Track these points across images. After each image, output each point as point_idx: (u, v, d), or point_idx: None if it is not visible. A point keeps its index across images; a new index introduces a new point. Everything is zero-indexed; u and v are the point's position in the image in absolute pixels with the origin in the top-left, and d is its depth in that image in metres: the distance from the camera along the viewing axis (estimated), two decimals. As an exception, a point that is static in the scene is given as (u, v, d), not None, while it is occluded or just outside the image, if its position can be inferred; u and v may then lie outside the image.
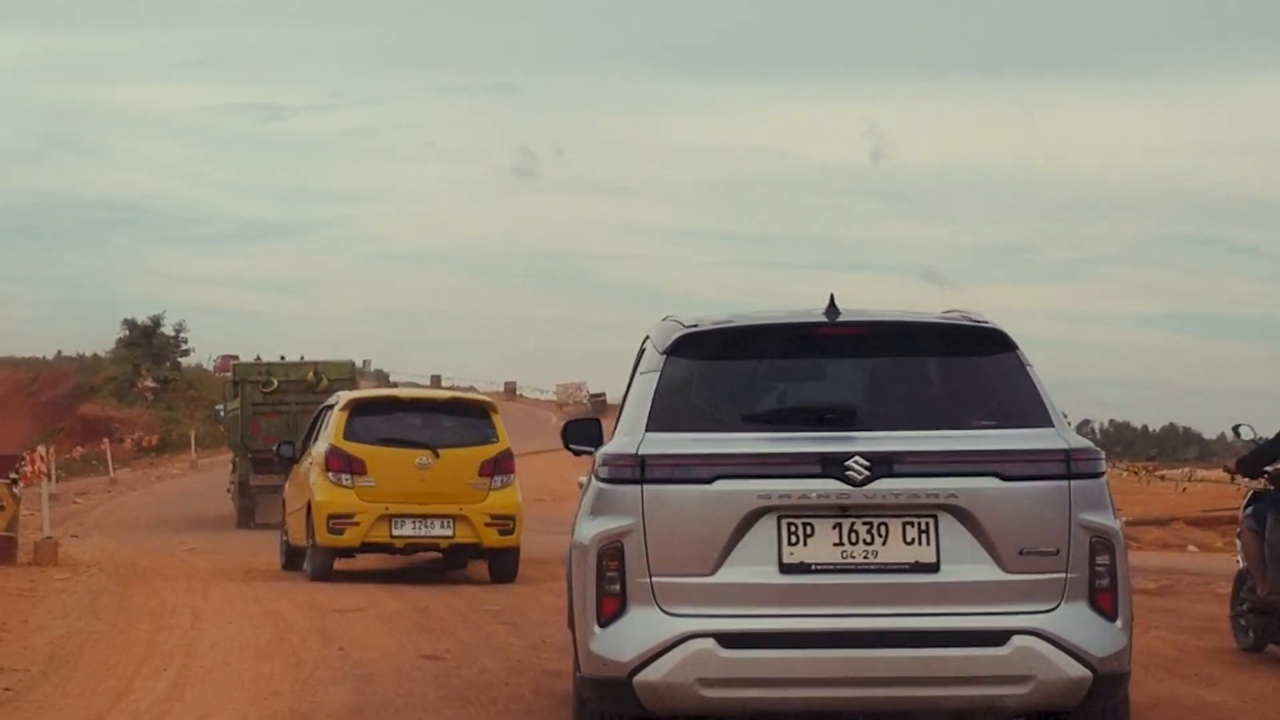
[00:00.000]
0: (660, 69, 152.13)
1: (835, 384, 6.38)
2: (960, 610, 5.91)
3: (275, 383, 30.08)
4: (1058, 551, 5.93)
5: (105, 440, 49.76)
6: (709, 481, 5.97)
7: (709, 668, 5.89)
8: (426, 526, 14.90)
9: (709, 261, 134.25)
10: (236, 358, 55.11)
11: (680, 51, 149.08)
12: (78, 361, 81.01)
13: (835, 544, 5.95)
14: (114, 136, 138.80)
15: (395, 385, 57.36)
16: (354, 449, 14.97)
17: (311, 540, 15.08)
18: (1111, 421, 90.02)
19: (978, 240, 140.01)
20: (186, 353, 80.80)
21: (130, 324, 79.04)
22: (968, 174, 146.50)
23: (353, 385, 29.71)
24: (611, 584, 6.02)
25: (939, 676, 5.89)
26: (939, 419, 6.14)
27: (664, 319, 6.83)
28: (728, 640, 5.89)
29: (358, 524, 14.77)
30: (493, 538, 15.04)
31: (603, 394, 68.85)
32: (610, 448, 6.34)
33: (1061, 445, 6.04)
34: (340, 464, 14.91)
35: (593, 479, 6.40)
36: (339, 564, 15.24)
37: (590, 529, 6.15)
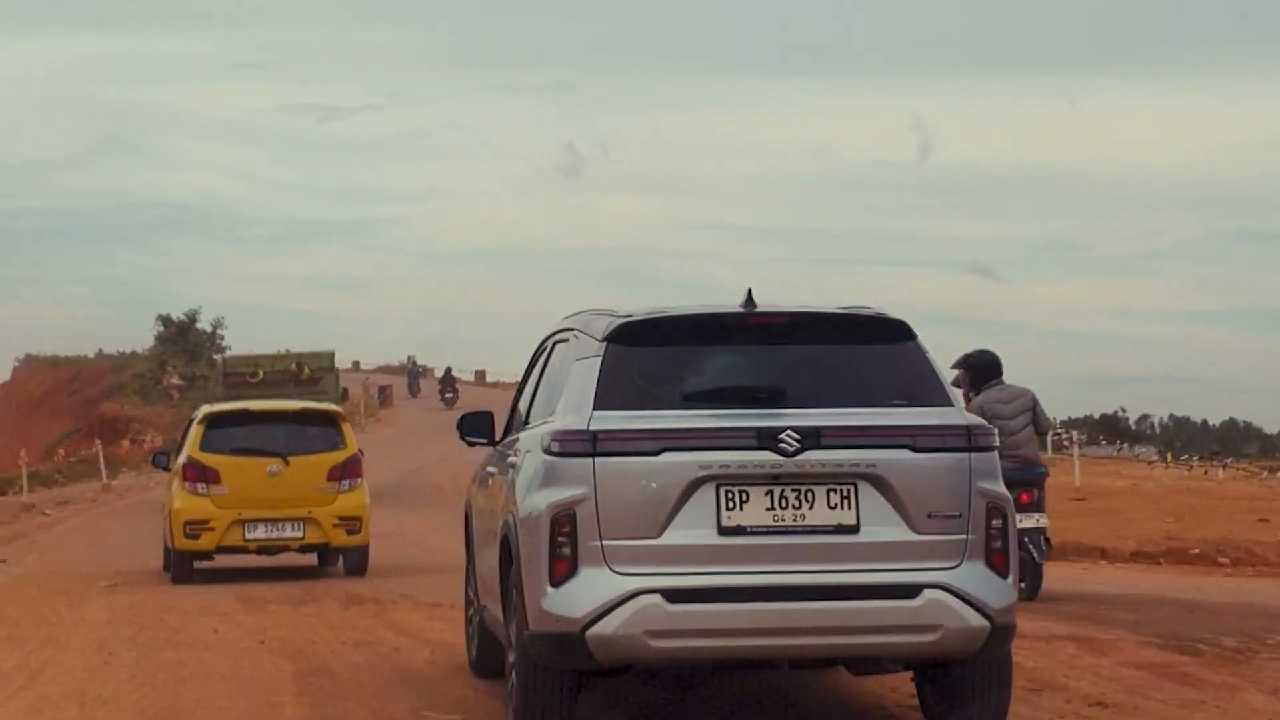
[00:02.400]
0: (709, 65, 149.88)
1: (762, 367, 6.98)
2: (877, 567, 6.60)
3: (261, 373, 32.52)
4: (960, 515, 6.67)
5: (98, 443, 45.85)
6: (656, 454, 6.59)
7: (656, 620, 6.47)
8: (278, 529, 15.88)
9: (758, 258, 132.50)
10: None
11: (729, 48, 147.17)
12: (114, 359, 79.05)
13: (768, 509, 6.60)
14: (172, 138, 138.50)
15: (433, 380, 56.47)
16: (209, 459, 15.88)
17: (171, 545, 16.00)
18: (1171, 416, 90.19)
19: (1029, 235, 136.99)
20: (224, 349, 78.22)
21: (165, 319, 76.50)
22: (1017, 169, 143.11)
23: (334, 375, 32.29)
24: (563, 547, 6.56)
25: (859, 626, 6.58)
26: (856, 398, 6.83)
27: (577, 313, 7.62)
28: (673, 595, 6.48)
29: (213, 529, 15.70)
30: (341, 537, 16.02)
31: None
32: (559, 425, 6.82)
33: (964, 422, 6.84)
34: (196, 474, 15.85)
35: (537, 454, 6.85)
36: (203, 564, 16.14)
37: (543, 498, 6.67)
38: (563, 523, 6.59)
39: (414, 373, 67.19)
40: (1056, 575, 16.31)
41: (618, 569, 6.56)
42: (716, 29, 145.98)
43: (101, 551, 21.35)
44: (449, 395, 57.82)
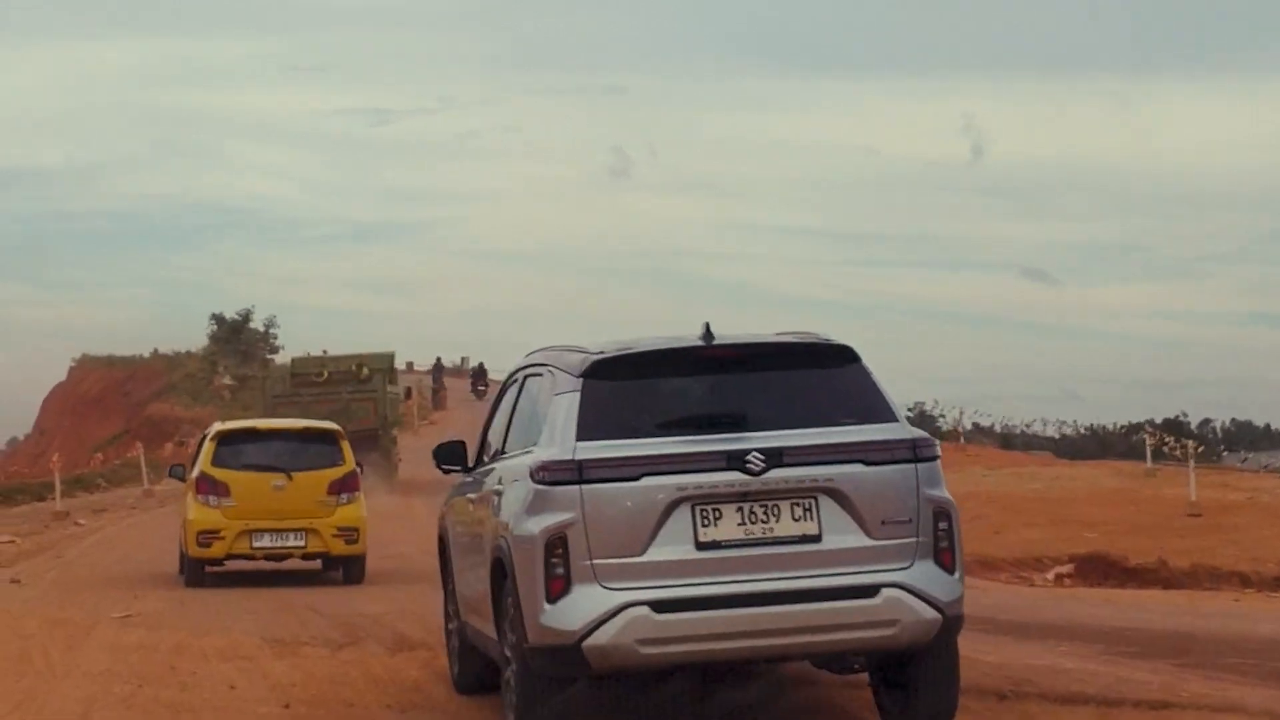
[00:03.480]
0: (760, 67, 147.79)
1: (725, 395, 7.55)
2: (839, 571, 7.25)
3: (325, 373, 34.79)
4: (910, 520, 7.34)
5: (138, 445, 43.79)
6: (636, 479, 7.21)
7: (645, 630, 7.10)
8: (282, 539, 17.21)
9: (810, 260, 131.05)
10: None
11: (780, 49, 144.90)
12: (168, 360, 77.95)
13: (739, 524, 7.24)
14: (228, 141, 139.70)
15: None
16: (219, 474, 17.16)
17: (184, 553, 17.40)
18: (1233, 420, 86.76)
19: (1084, 238, 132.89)
20: (276, 350, 76.79)
21: (218, 319, 75.29)
22: (1071, 170, 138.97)
23: (383, 376, 34.60)
24: (557, 567, 7.16)
25: (826, 624, 7.24)
26: (811, 419, 7.46)
27: (546, 348, 8.39)
28: (659, 606, 7.11)
29: (223, 538, 17.03)
30: (339, 547, 17.32)
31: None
32: (544, 456, 7.39)
33: (908, 436, 7.51)
34: (208, 487, 17.15)
35: (526, 483, 7.43)
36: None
37: (535, 523, 7.27)
38: (555, 545, 7.19)
39: (438, 372, 65.34)
40: (1205, 608, 13.80)
41: (607, 585, 7.17)
42: (768, 30, 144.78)
43: (125, 569, 19.55)
44: (480, 388, 57.99)
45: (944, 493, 7.47)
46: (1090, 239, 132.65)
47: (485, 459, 9.01)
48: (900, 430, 7.51)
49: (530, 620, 7.26)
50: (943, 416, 67.35)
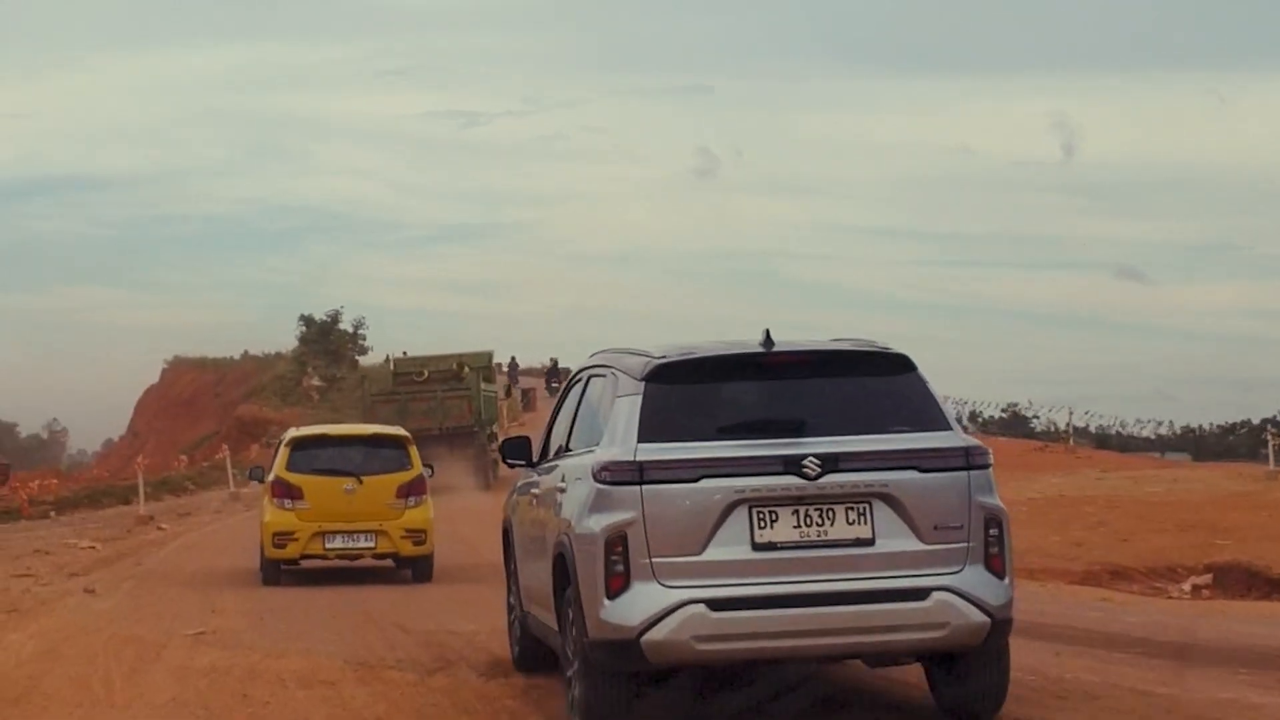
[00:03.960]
0: (848, 66, 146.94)
1: (783, 401, 7.72)
2: (892, 574, 7.45)
3: (426, 373, 35.83)
4: (961, 526, 7.53)
5: (224, 448, 43.06)
6: (695, 480, 7.42)
7: (701, 626, 7.32)
8: (353, 540, 17.81)
9: (901, 260, 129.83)
10: None
11: (868, 49, 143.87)
12: (258, 361, 77.88)
13: (795, 526, 7.45)
14: (318, 145, 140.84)
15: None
16: (294, 478, 17.80)
17: (262, 554, 18.00)
18: None
19: (1178, 237, 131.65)
20: (365, 350, 76.34)
21: (307, 320, 74.87)
22: (1163, 168, 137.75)
23: (489, 374, 36.30)
24: (617, 565, 7.37)
25: (878, 626, 7.44)
26: (867, 425, 7.64)
27: (609, 350, 8.62)
28: (715, 604, 7.32)
29: (297, 539, 17.66)
30: (408, 548, 17.91)
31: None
32: (607, 457, 7.61)
33: (962, 444, 7.69)
34: (283, 491, 17.79)
35: (588, 482, 7.67)
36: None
37: (596, 522, 7.49)
38: (616, 543, 7.39)
39: (514, 372, 64.60)
40: None
41: (665, 582, 7.37)
42: (855, 30, 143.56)
43: (204, 578, 18.70)
44: (554, 385, 58.45)
45: (995, 500, 7.68)
46: (1184, 238, 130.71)
47: (550, 456, 9.31)
48: (954, 439, 7.71)
49: (590, 615, 7.53)
50: (1036, 418, 65.46)
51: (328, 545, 17.74)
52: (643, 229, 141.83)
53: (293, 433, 18.95)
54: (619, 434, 7.65)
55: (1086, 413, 66.75)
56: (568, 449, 8.74)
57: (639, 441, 7.50)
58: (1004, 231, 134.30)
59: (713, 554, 7.36)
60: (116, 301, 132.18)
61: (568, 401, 9.23)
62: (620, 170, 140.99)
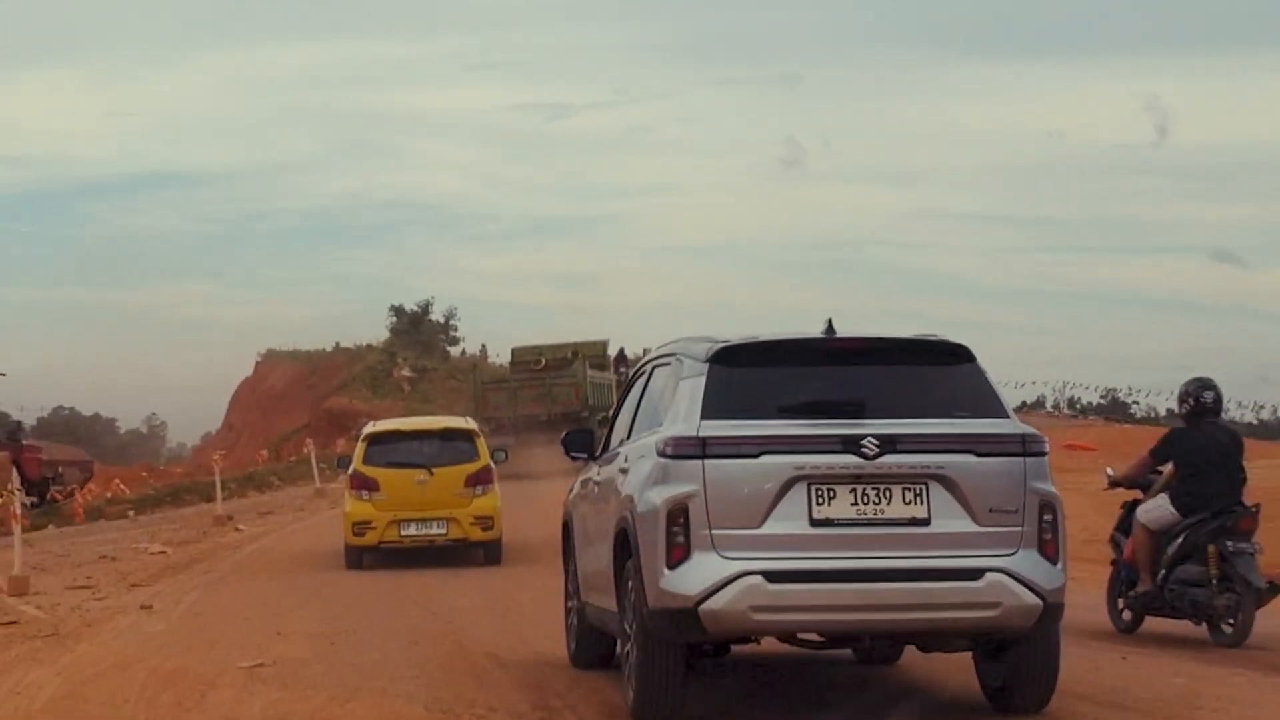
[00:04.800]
0: (937, 53, 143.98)
1: (844, 384, 7.92)
2: (946, 554, 7.60)
3: (543, 360, 37.76)
4: (1016, 510, 7.69)
5: (309, 443, 41.15)
6: (756, 457, 7.62)
7: (758, 597, 7.49)
8: (426, 527, 19.12)
9: (995, 246, 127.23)
10: None
11: (957, 34, 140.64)
12: (350, 353, 76.80)
13: (852, 504, 7.62)
14: (409, 139, 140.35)
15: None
16: (370, 471, 19.23)
17: (345, 541, 19.40)
18: None
19: (1275, 218, 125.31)
20: (456, 341, 74.89)
21: (398, 310, 73.49)
22: (1259, 149, 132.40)
23: (603, 362, 37.89)
24: (677, 536, 7.58)
25: (931, 603, 7.58)
26: (926, 410, 7.82)
27: (676, 340, 8.77)
28: (772, 576, 7.50)
29: (374, 528, 19.07)
30: (477, 533, 19.25)
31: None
32: (672, 432, 7.82)
33: (1018, 431, 7.85)
34: (360, 483, 19.24)
35: (651, 458, 7.89)
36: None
37: (659, 494, 7.70)
38: (677, 515, 7.61)
39: (620, 363, 63.11)
40: None
41: (724, 554, 7.58)
42: (945, 15, 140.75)
43: (275, 591, 16.54)
44: (622, 370, 57.22)
45: (1050, 486, 7.81)
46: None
47: (610, 446, 9.50)
48: (1010, 425, 7.88)
49: (651, 585, 7.70)
50: (1135, 403, 62.96)
51: (402, 532, 18.94)
52: (733, 220, 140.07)
53: (369, 429, 20.19)
54: (682, 412, 7.90)
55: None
56: (628, 439, 8.97)
57: (702, 419, 7.74)
58: (1098, 216, 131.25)
59: (771, 528, 7.57)
60: (212, 297, 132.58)
61: (630, 394, 9.50)
62: (709, 161, 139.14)
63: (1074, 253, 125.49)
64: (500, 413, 37.43)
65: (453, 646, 11.80)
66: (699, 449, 7.60)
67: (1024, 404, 63.86)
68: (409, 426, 20.38)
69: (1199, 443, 11.47)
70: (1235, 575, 10.92)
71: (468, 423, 20.51)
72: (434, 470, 19.06)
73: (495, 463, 19.79)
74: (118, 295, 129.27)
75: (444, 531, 18.96)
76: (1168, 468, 11.76)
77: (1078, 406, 66.66)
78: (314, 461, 37.44)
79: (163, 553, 22.13)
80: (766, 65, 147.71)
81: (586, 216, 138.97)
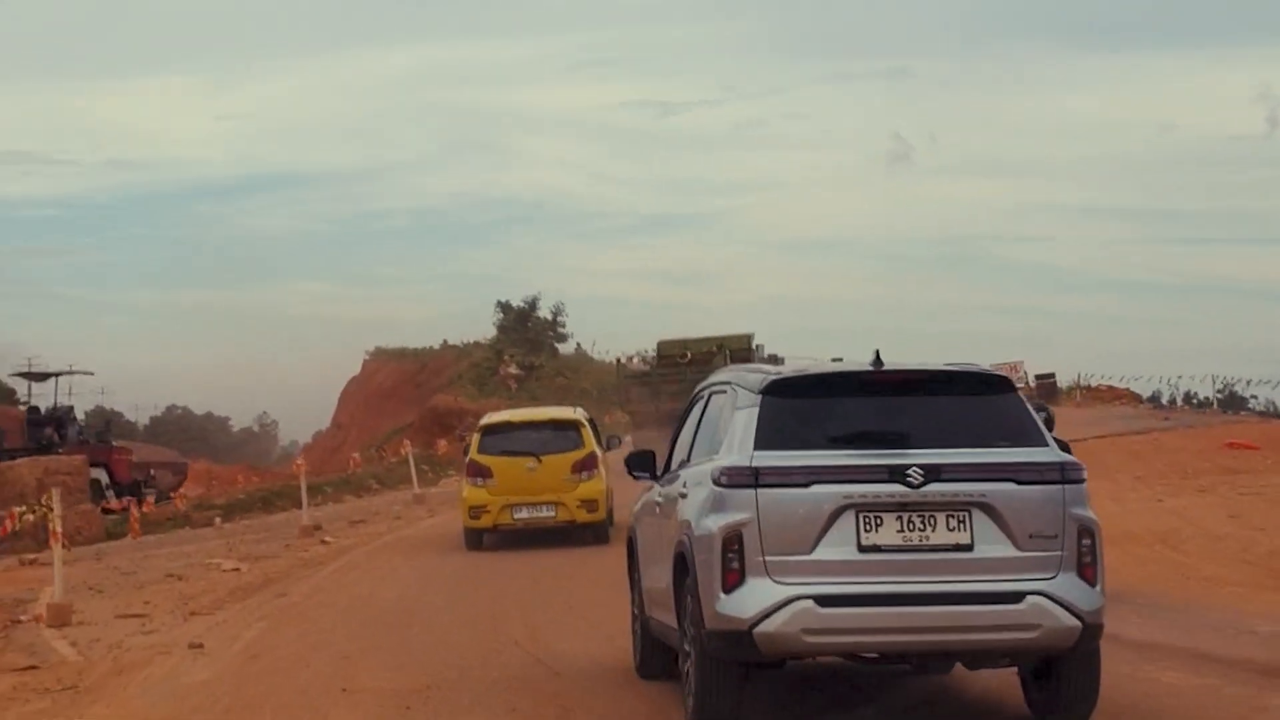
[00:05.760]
0: (1047, 45, 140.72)
1: (889, 415, 8.24)
2: (988, 578, 7.92)
3: (689, 354, 37.12)
4: (1055, 536, 8.00)
5: (406, 444, 38.56)
6: (806, 486, 7.99)
7: (810, 621, 7.86)
8: (536, 511, 20.75)
9: (1110, 239, 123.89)
10: None
11: (1067, 27, 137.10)
12: (457, 350, 75.25)
13: (899, 531, 7.95)
14: (519, 137, 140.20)
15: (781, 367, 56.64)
16: (484, 460, 20.94)
17: (463, 524, 21.38)
18: None
19: None
20: (564, 338, 72.78)
21: (504, 306, 71.56)
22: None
23: (747, 356, 35.40)
24: (733, 561, 7.96)
25: (974, 625, 7.90)
26: (968, 440, 8.16)
27: (731, 368, 9.48)
28: (823, 601, 7.87)
29: (489, 511, 20.82)
30: (583, 515, 20.82)
31: (1051, 375, 57.53)
32: (725, 463, 8.21)
33: (1058, 460, 8.16)
34: (475, 471, 20.95)
35: (707, 485, 8.27)
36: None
37: (715, 521, 8.09)
38: (732, 541, 7.99)
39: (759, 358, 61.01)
40: None
41: (777, 579, 7.94)
42: (1052, 7, 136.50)
43: (351, 625, 13.90)
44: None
45: (1088, 512, 8.12)
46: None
47: (673, 467, 9.80)
48: (1050, 454, 8.19)
49: (707, 608, 8.08)
50: (1254, 397, 59.57)
51: (515, 515, 20.61)
52: (842, 215, 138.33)
53: (484, 420, 21.99)
54: (737, 442, 8.26)
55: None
56: (689, 461, 9.33)
57: (755, 449, 8.12)
58: (1212, 207, 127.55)
59: (821, 554, 7.92)
60: (324, 296, 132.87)
61: (690, 418, 9.83)
62: (818, 156, 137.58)
63: (1188, 245, 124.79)
64: (643, 406, 36.71)
65: (561, 708, 9.22)
66: (752, 479, 8.00)
67: (1153, 397, 60.48)
68: (520, 418, 22.12)
69: None
70: None
71: (575, 413, 21.92)
72: (542, 458, 20.65)
73: (610, 448, 21.73)
74: (231, 295, 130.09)
75: (553, 514, 20.57)
76: None
77: (1194, 401, 63.18)
78: (413, 464, 34.92)
79: (236, 570, 19.81)
80: (874, 60, 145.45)
81: (694, 213, 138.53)
